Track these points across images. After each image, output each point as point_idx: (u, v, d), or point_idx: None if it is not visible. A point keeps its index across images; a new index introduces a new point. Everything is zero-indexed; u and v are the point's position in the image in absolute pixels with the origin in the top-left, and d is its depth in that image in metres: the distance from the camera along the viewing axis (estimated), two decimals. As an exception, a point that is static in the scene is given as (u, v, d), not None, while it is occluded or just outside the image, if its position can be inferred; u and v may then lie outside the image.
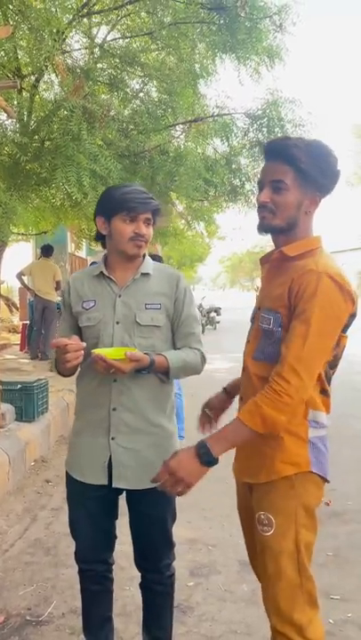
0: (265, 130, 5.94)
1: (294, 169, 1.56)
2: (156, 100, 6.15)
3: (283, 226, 1.61)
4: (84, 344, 1.72)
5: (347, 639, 2.33)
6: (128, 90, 6.26)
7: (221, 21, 5.69)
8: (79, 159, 4.95)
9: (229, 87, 6.52)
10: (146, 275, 1.87)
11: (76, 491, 1.90)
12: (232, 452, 1.64)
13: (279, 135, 5.85)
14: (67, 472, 1.95)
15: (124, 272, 1.88)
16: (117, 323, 1.82)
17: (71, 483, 1.92)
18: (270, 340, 1.60)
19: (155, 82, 6.38)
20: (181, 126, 6.31)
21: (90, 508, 1.89)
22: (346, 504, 3.74)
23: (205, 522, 3.46)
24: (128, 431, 1.82)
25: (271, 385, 1.48)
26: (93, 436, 1.86)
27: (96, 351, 1.69)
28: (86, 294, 1.89)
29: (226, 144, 6.36)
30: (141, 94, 6.46)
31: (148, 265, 1.90)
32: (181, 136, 6.37)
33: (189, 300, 1.91)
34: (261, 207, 1.63)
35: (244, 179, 6.57)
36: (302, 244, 1.61)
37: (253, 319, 1.75)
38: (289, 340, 1.50)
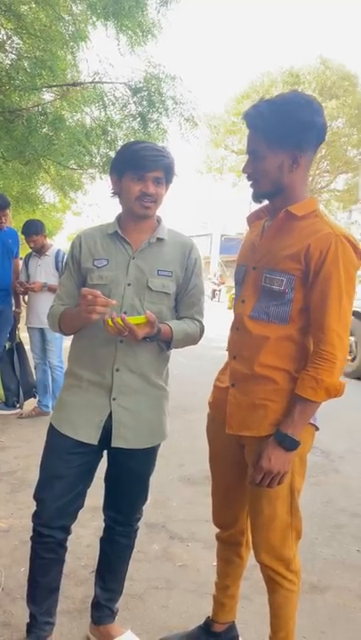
0: (145, 103, 5.93)
1: (264, 136, 1.58)
2: (32, 57, 5.76)
3: (270, 190, 1.65)
4: (115, 302, 1.64)
5: (259, 581, 2.52)
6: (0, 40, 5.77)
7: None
8: None
9: (111, 56, 6.37)
10: (161, 240, 1.83)
11: (61, 446, 1.81)
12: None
13: (160, 109, 5.89)
14: (53, 427, 1.85)
15: (138, 234, 1.82)
16: (129, 285, 1.78)
17: (57, 437, 1.83)
18: (278, 300, 1.63)
19: (29, 37, 5.95)
20: (58, 89, 6.01)
21: (71, 465, 1.81)
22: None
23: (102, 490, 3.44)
24: (130, 392, 1.80)
25: (321, 355, 1.54)
26: (92, 395, 1.80)
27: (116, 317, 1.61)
28: (99, 252, 1.83)
29: (103, 113, 6.22)
30: (13, 47, 5.99)
31: (164, 230, 1.86)
32: (59, 100, 6.07)
33: (199, 270, 1.90)
34: (247, 177, 1.66)
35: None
36: (306, 203, 1.64)
37: (245, 278, 1.75)
38: (324, 303, 1.54)
